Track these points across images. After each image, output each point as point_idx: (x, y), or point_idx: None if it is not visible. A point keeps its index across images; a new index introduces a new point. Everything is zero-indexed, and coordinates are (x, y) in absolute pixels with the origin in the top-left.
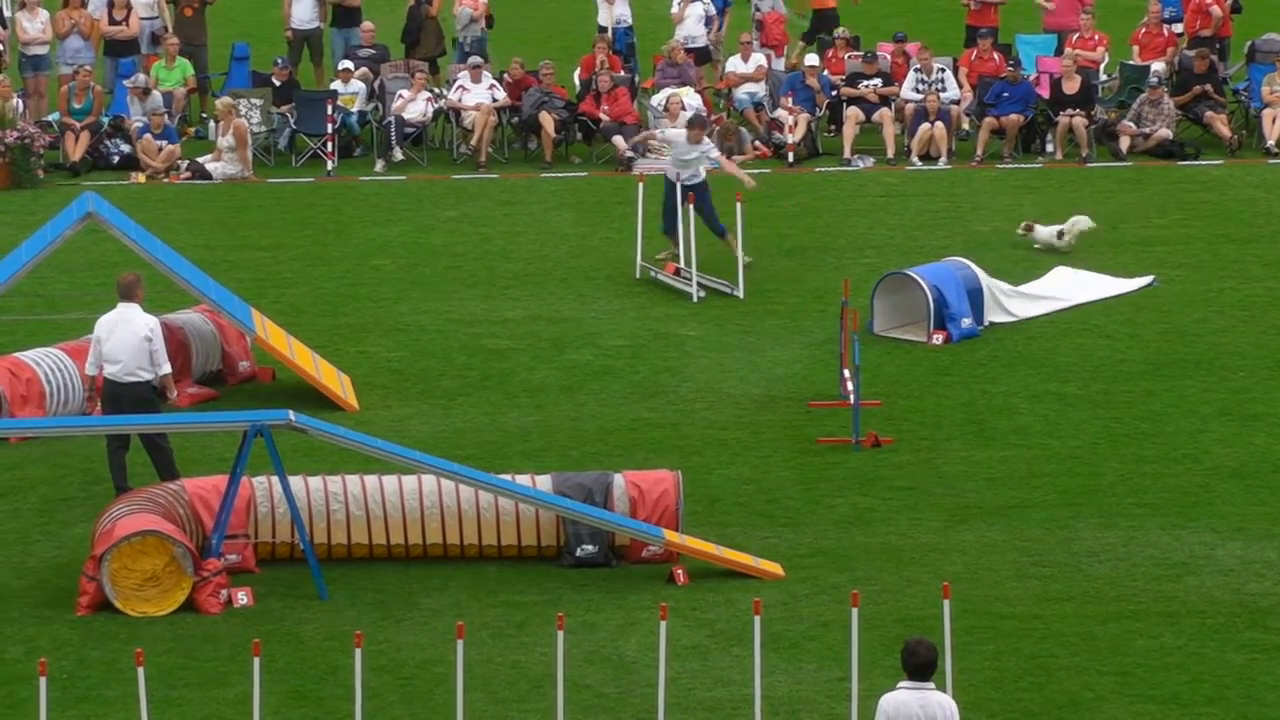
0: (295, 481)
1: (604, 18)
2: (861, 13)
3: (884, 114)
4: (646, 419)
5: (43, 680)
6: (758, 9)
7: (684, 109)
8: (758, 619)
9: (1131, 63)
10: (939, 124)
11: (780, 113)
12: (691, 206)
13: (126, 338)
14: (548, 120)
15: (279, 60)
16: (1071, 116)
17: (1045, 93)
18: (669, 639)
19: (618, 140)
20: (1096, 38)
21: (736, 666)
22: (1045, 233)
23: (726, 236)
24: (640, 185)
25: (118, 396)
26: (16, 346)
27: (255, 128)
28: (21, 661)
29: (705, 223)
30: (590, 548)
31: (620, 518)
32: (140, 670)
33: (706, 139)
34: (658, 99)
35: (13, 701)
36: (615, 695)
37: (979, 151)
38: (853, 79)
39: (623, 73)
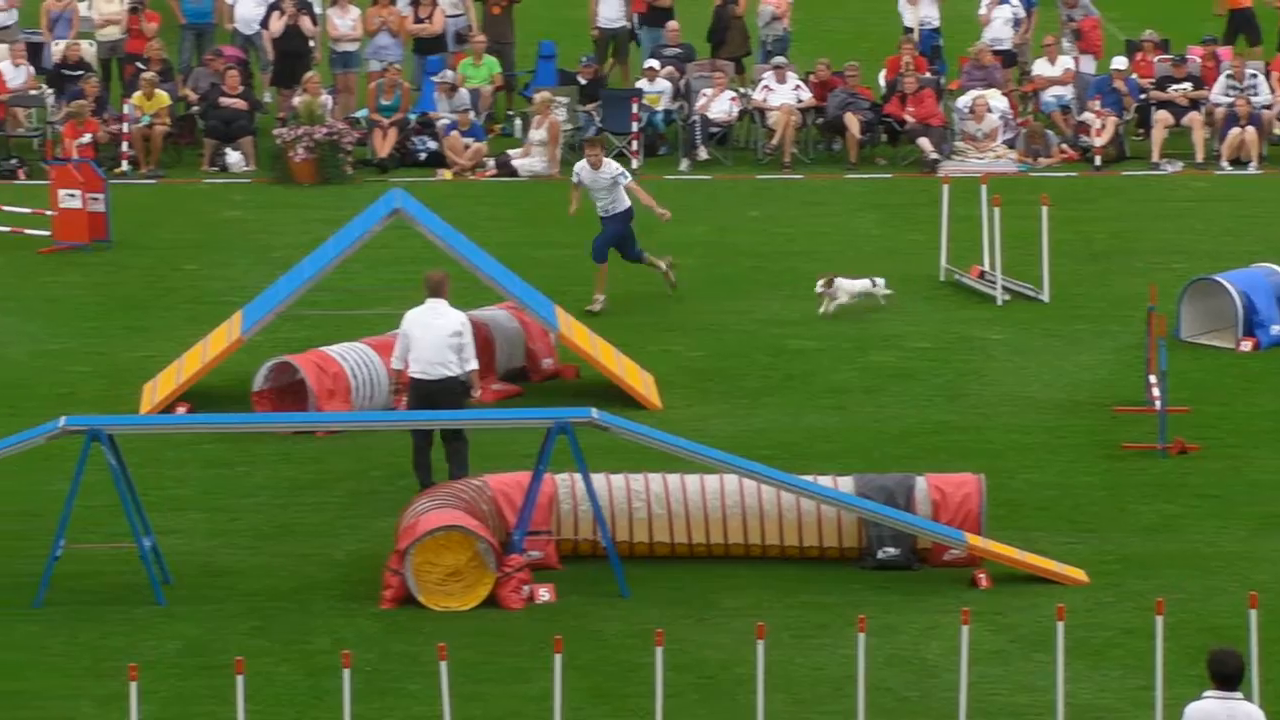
0: (597, 479)
1: (910, 19)
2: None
3: (1193, 117)
4: (949, 422)
5: (346, 672)
6: (1070, 17)
7: (989, 111)
8: (1060, 625)
9: None
10: (1250, 128)
11: (1087, 116)
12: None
13: (436, 333)
14: (852, 121)
15: (585, 58)
16: None
17: None
18: (971, 643)
19: (923, 142)
20: None
21: (1038, 672)
22: (850, 285)
23: (645, 258)
24: (945, 187)
25: (429, 392)
26: (323, 341)
27: (561, 126)
28: (326, 653)
29: (620, 249)
30: (892, 550)
31: (922, 520)
32: (443, 664)
33: (609, 160)
34: (963, 101)
35: (317, 693)
36: (916, 699)
37: None
38: (1162, 82)
39: (928, 74)
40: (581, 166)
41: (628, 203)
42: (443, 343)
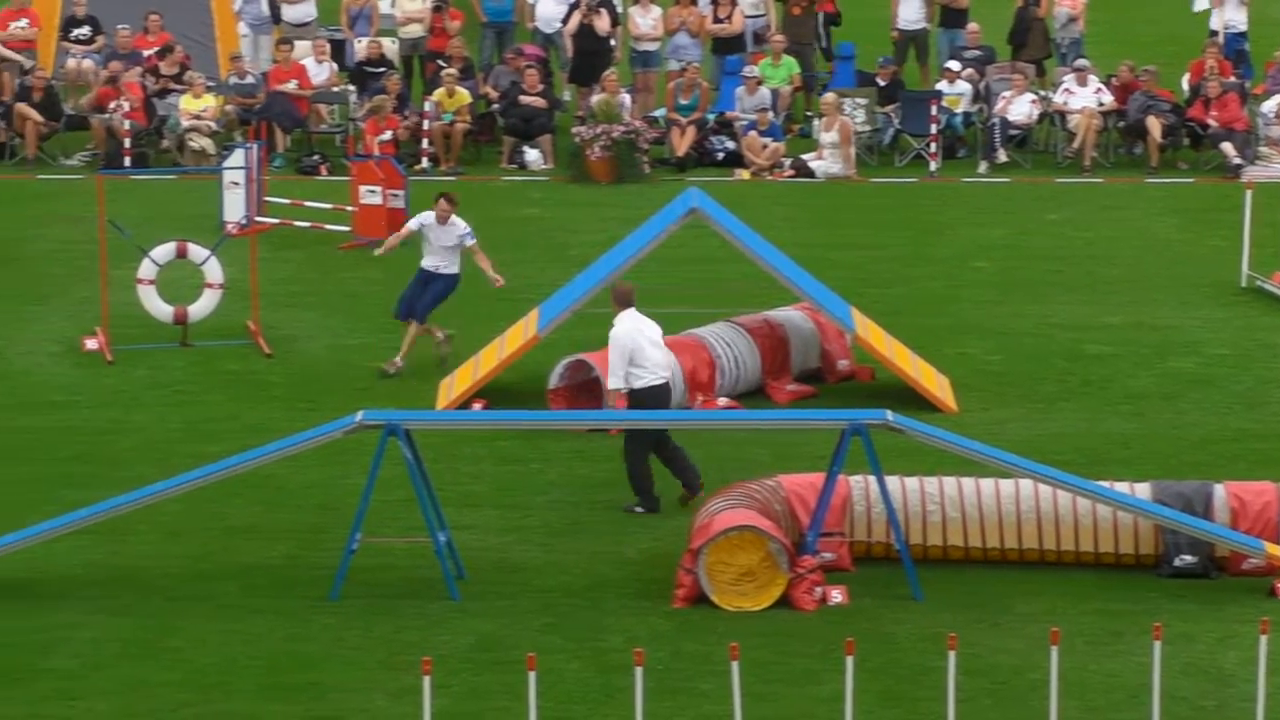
0: (892, 481)
1: (1215, 22)
2: None
3: None
4: (1249, 430)
5: (639, 670)
6: None
7: None
8: None
9: None
10: None
11: None
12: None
13: (650, 344)
14: (1154, 125)
15: (884, 60)
16: None
17: None
18: (1270, 653)
19: (1226, 147)
20: None
21: None
22: None
23: (424, 324)
24: (1248, 193)
25: (661, 397)
26: None
27: (859, 127)
28: (619, 651)
29: (420, 305)
30: (1189, 558)
31: (1220, 528)
32: (734, 664)
33: (457, 218)
34: (1268, 105)
35: (609, 690)
36: (1212, 709)
37: None
38: None
39: (1233, 78)
40: (427, 217)
41: (459, 268)
42: (661, 348)
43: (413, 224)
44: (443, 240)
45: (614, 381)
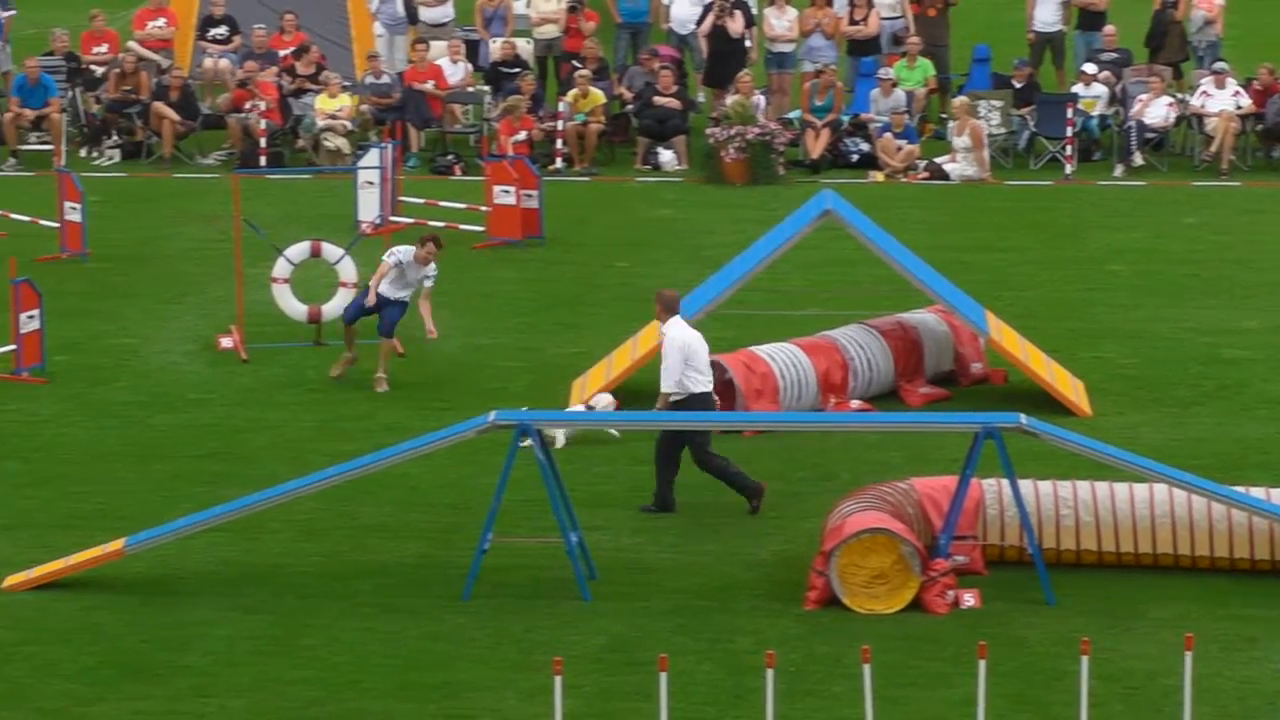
0: (1025, 485)
1: None
2: None
3: None
4: None
5: (770, 672)
6: None
7: None
8: None
9: None
10: None
11: None
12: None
13: (705, 349)
14: None
15: (1019, 62)
16: None
17: None
18: None
19: None
20: None
21: None
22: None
23: (392, 340)
24: None
25: (707, 405)
26: (752, 341)
27: (994, 129)
28: (750, 653)
29: (386, 322)
30: None
31: None
32: (866, 667)
33: (433, 264)
34: None
35: (740, 691)
36: None
37: None
38: None
39: None
40: (406, 253)
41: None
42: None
43: (391, 260)
44: (411, 276)
45: (669, 385)
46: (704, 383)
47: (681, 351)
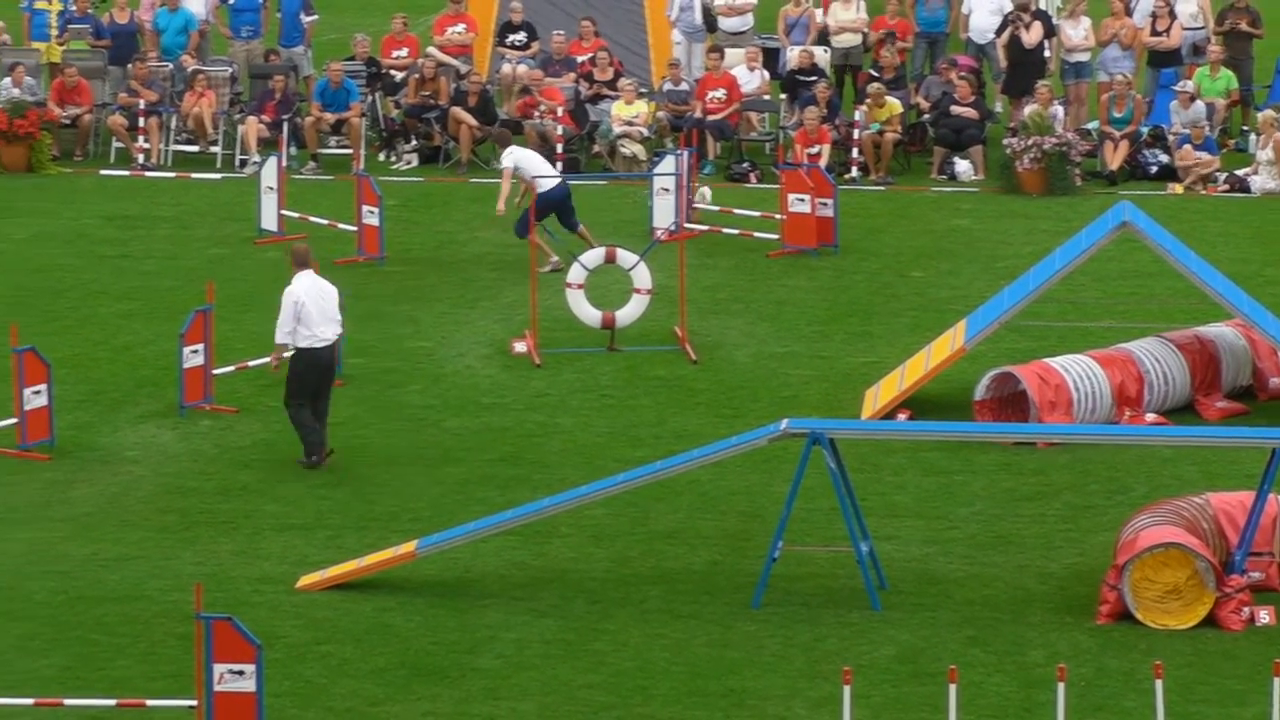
0: None
1: None
2: None
3: None
4: None
5: (1061, 686)
6: None
7: None
8: None
9: None
10: None
11: None
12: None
13: (320, 305)
14: None
15: None
16: None
17: None
18: None
19: None
20: None
21: None
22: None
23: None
24: None
25: (313, 360)
26: (1047, 352)
27: None
28: (1041, 666)
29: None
30: None
31: None
32: (1158, 683)
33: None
34: None
35: (1030, 705)
36: None
37: None
38: None
39: None
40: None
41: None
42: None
43: (509, 163)
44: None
45: (280, 337)
46: (313, 338)
47: (294, 307)
